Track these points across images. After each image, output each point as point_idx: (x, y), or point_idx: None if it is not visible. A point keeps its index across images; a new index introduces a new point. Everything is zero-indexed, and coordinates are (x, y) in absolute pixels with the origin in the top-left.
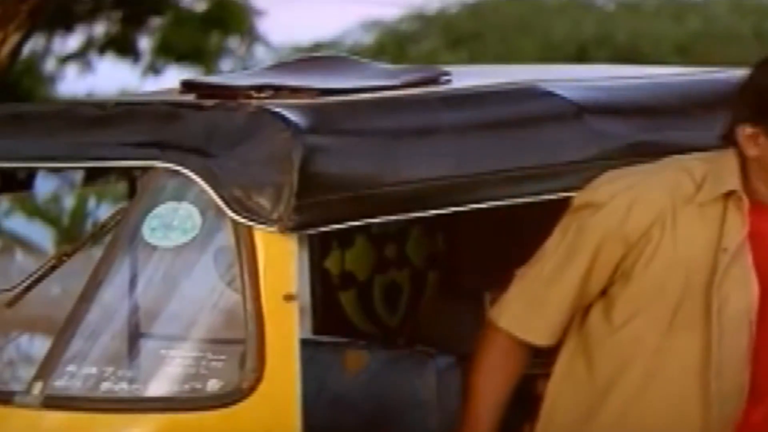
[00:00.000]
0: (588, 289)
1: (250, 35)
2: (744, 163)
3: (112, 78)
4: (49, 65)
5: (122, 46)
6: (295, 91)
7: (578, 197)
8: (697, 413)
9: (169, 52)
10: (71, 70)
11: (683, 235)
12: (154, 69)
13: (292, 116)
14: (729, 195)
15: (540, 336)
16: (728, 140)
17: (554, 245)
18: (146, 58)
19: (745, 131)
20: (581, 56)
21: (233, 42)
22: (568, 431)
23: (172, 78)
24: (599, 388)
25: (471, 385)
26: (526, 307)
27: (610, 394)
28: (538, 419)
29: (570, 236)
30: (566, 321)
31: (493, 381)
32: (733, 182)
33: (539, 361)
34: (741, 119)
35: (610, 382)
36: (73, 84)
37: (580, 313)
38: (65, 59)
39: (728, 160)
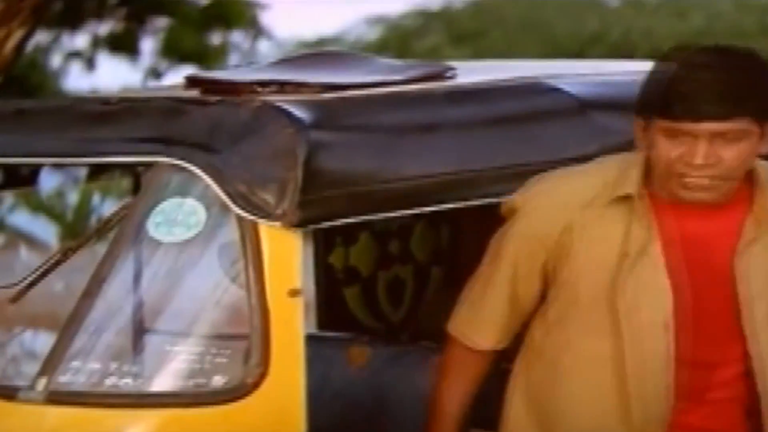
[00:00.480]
0: (520, 294)
1: (253, 31)
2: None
3: (115, 76)
4: (55, 61)
5: (125, 44)
6: (299, 86)
7: (505, 202)
8: (616, 416)
9: (172, 51)
10: (76, 67)
11: (592, 240)
12: (156, 72)
13: (296, 112)
14: (628, 198)
15: (480, 341)
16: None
17: (490, 250)
18: (149, 58)
19: (638, 125)
20: (584, 53)
21: (236, 38)
22: None
23: (175, 77)
24: (542, 392)
25: (432, 394)
26: (467, 313)
27: (549, 398)
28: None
29: (495, 243)
30: (507, 326)
31: (451, 389)
32: (631, 185)
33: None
34: (636, 112)
35: (548, 386)
36: (78, 81)
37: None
38: (70, 56)
39: (637, 159)
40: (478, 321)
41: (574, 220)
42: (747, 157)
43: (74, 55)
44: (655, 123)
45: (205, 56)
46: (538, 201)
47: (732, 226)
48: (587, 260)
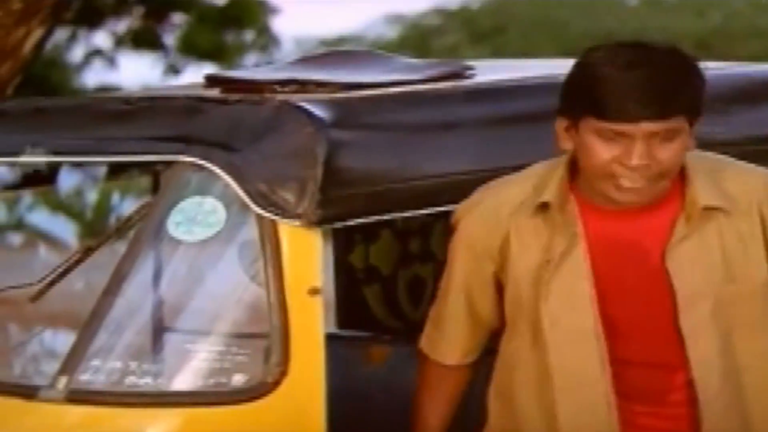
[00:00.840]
0: (477, 306)
1: (267, 32)
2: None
3: (135, 73)
4: (75, 58)
5: (145, 42)
6: (319, 85)
7: (451, 216)
8: (542, 426)
9: (190, 49)
10: (94, 65)
11: (522, 247)
12: (174, 69)
13: (316, 110)
14: (546, 206)
15: (447, 356)
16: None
17: (446, 265)
18: (168, 55)
19: (560, 124)
20: None
21: (252, 37)
22: None
23: (193, 75)
24: (504, 401)
25: (412, 411)
26: (432, 329)
27: (507, 407)
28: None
29: (449, 256)
30: (470, 339)
31: (429, 404)
32: (550, 192)
33: None
34: (558, 111)
35: (507, 396)
36: (97, 78)
37: None
38: (90, 54)
39: (560, 164)
40: (442, 336)
41: (510, 228)
42: (681, 154)
43: (94, 53)
44: (584, 123)
45: (223, 54)
46: (475, 212)
47: (663, 224)
48: (519, 269)
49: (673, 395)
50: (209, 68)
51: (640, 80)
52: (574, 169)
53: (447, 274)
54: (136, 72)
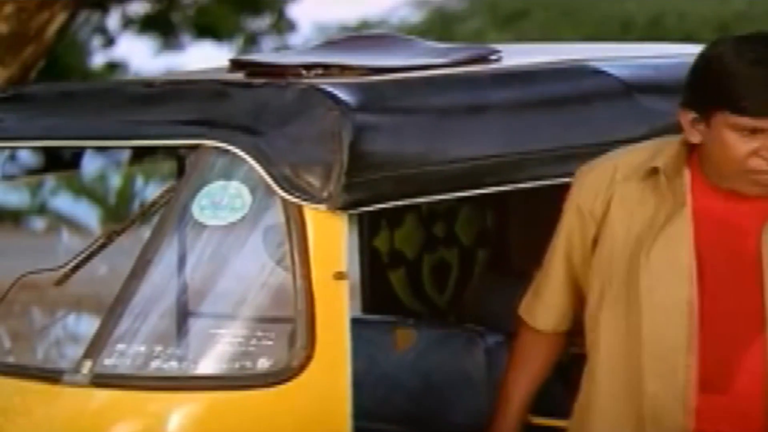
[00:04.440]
0: (578, 270)
1: (285, 14)
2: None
3: (149, 57)
4: (89, 40)
5: (157, 24)
6: (344, 69)
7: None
8: (624, 397)
9: (204, 31)
10: (109, 48)
11: (624, 214)
12: (186, 53)
13: (341, 94)
14: (656, 171)
15: (541, 321)
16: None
17: (554, 235)
18: (180, 39)
19: (686, 116)
20: (626, 35)
21: (269, 21)
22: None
23: (208, 57)
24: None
25: (502, 378)
26: (531, 294)
27: (586, 380)
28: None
29: (560, 219)
30: (566, 306)
31: (517, 371)
32: (662, 159)
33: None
34: (683, 103)
35: (589, 368)
36: (109, 59)
37: None
38: (102, 37)
39: (675, 141)
40: (540, 301)
41: (614, 193)
42: None
43: (108, 37)
44: (717, 118)
45: (239, 38)
46: (590, 174)
47: (766, 209)
48: (617, 235)
49: (749, 377)
50: (224, 52)
51: None
52: (694, 150)
53: (554, 238)
54: (147, 55)
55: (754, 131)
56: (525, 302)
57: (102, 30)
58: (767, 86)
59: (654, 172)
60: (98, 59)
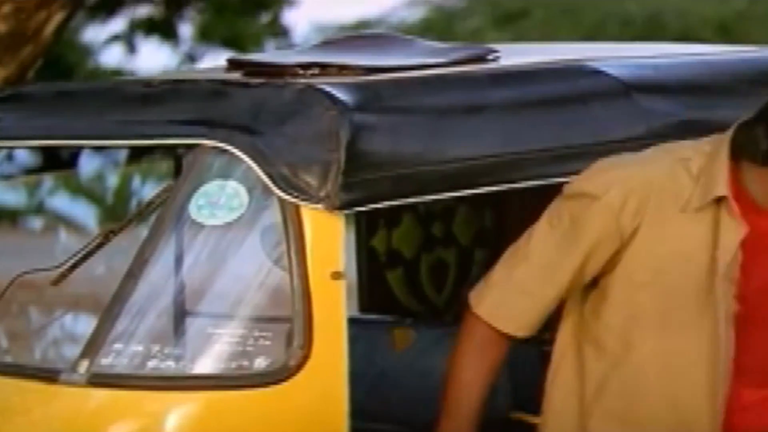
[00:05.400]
0: (578, 282)
1: (282, 17)
2: (737, 161)
3: (153, 61)
4: (91, 41)
5: (163, 29)
6: (342, 68)
7: (571, 185)
8: (706, 398)
9: (207, 37)
10: (112, 50)
11: (675, 232)
12: (191, 58)
13: (339, 94)
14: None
15: (520, 327)
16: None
17: (544, 234)
18: (186, 43)
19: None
20: (625, 34)
21: (266, 23)
22: (570, 414)
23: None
24: (602, 370)
25: (449, 374)
26: (510, 297)
27: (613, 375)
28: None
29: (563, 227)
30: (549, 313)
31: (471, 371)
32: (722, 186)
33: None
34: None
35: (615, 362)
36: (114, 62)
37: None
38: (109, 40)
39: (721, 156)
40: (524, 307)
41: (656, 209)
42: None
43: (113, 39)
44: None
45: (242, 42)
46: (623, 188)
47: None
48: (671, 251)
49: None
50: (226, 56)
51: None
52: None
53: (560, 246)
54: (153, 59)
55: None
56: (494, 302)
57: (115, 36)
58: None
59: (719, 199)
60: (109, 64)
